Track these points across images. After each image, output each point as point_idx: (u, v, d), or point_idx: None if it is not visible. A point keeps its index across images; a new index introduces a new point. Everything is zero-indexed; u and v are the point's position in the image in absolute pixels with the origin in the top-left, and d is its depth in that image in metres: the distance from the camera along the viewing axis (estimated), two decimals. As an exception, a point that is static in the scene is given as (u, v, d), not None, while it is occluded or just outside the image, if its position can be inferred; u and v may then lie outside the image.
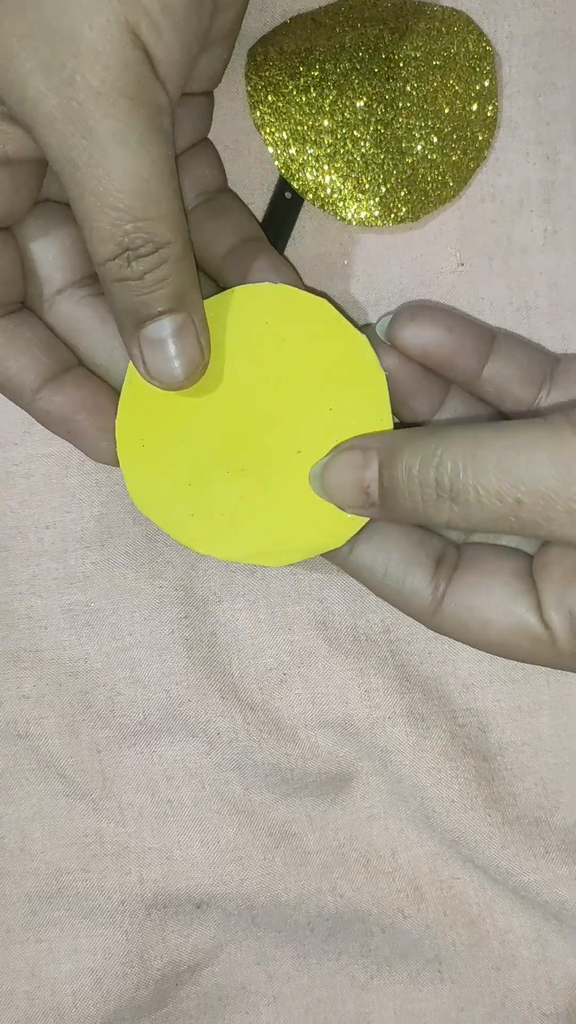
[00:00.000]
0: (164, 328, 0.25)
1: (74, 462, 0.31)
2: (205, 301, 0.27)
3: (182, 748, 0.32)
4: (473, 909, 0.32)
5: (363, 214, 0.31)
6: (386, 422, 0.27)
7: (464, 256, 0.32)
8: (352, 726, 0.32)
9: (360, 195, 0.30)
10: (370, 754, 0.32)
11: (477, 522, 0.24)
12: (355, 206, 0.31)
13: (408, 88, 0.30)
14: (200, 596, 0.32)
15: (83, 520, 0.32)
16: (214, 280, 0.29)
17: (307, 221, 0.32)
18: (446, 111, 0.31)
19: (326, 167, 0.30)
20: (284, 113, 0.30)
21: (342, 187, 0.30)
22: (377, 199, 0.30)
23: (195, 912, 0.32)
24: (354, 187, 0.30)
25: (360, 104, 0.30)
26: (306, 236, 0.32)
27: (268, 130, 0.30)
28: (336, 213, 0.30)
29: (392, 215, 0.31)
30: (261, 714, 0.32)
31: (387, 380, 0.28)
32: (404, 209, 0.31)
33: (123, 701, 0.32)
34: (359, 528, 0.27)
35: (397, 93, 0.30)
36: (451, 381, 0.29)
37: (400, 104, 0.30)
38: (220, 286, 0.29)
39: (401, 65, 0.30)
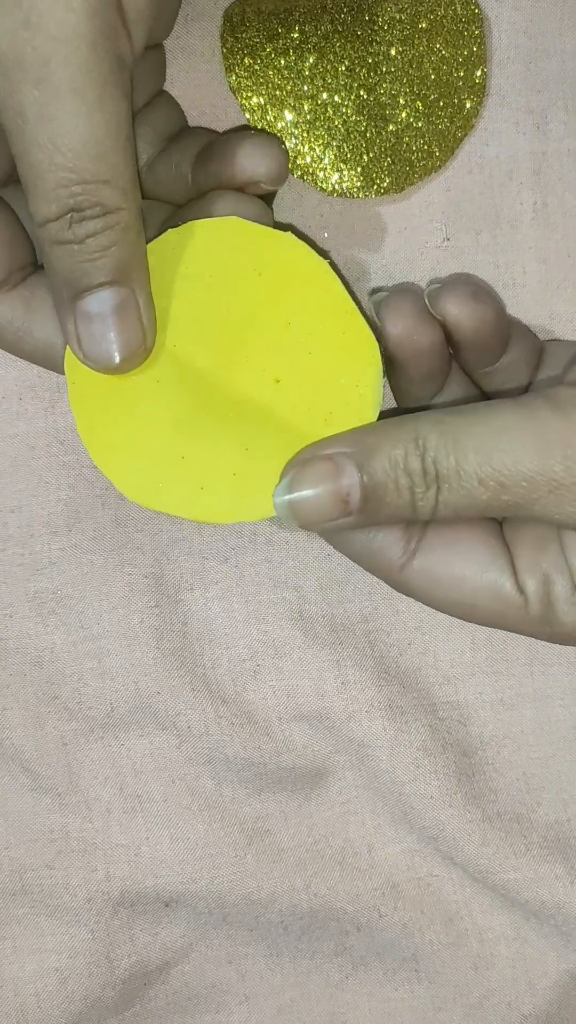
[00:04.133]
0: (103, 301, 0.23)
1: (41, 443, 0.31)
2: (169, 232, 0.26)
3: (151, 741, 0.31)
4: (451, 907, 0.32)
5: (345, 185, 0.30)
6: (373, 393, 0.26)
7: (450, 230, 0.32)
8: (328, 719, 0.32)
9: (342, 165, 0.30)
10: (346, 748, 0.32)
11: (461, 509, 0.24)
12: (336, 176, 0.30)
13: (392, 52, 0.30)
14: (171, 584, 0.31)
15: (49, 504, 0.31)
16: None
17: (285, 191, 0.31)
18: (432, 77, 0.30)
19: (305, 134, 0.30)
20: (261, 77, 0.30)
21: (323, 156, 0.30)
22: (359, 169, 0.30)
23: (164, 910, 0.32)
24: (335, 156, 0.30)
25: (342, 68, 0.29)
26: (283, 207, 0.31)
27: (244, 94, 0.30)
28: (316, 183, 0.30)
29: (375, 186, 0.30)
30: (233, 707, 0.32)
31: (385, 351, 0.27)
32: (388, 180, 0.30)
33: (90, 692, 0.31)
34: None
35: (381, 57, 0.29)
36: (458, 365, 0.28)
37: (384, 69, 0.30)
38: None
39: (385, 28, 0.30)
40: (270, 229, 0.27)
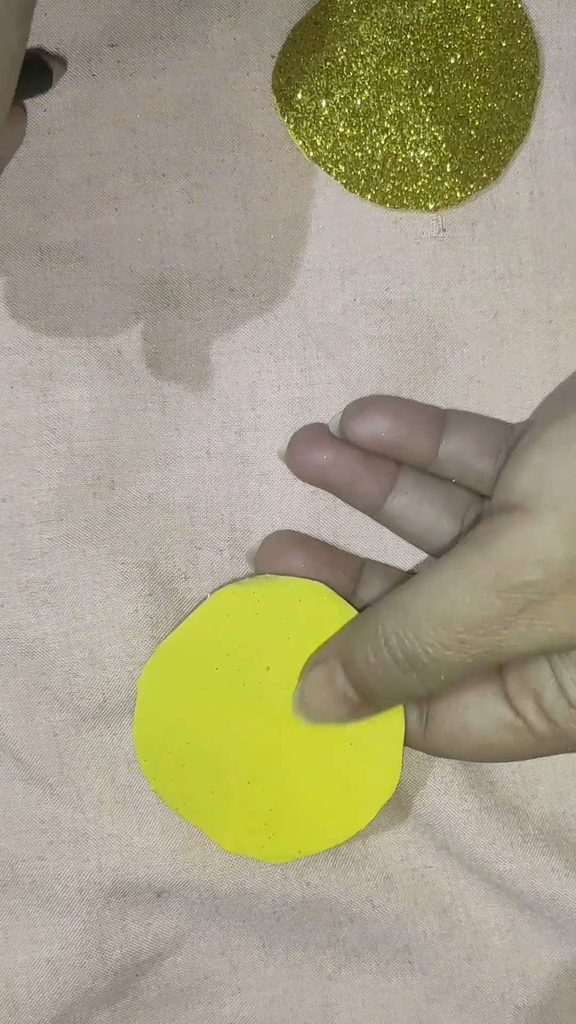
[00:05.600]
0: None
1: (31, 432, 0.31)
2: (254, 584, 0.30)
3: None
4: (445, 898, 0.32)
5: (457, 194, 0.31)
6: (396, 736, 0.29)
7: (446, 221, 0.31)
8: None
9: (439, 178, 0.31)
10: None
11: (445, 674, 0.25)
12: (440, 187, 0.31)
13: (446, 47, 0.30)
14: (165, 573, 0.31)
15: (41, 493, 0.31)
16: None
17: (279, 181, 0.31)
18: (483, 56, 0.30)
19: (399, 170, 0.31)
20: (336, 146, 0.31)
21: (432, 174, 0.31)
22: (461, 171, 0.31)
23: (156, 901, 0.32)
24: (435, 172, 0.31)
25: (404, 86, 0.30)
26: (279, 197, 0.31)
27: (327, 166, 0.31)
28: (421, 206, 0.31)
29: (473, 182, 0.31)
30: None
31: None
32: (485, 172, 0.31)
33: (81, 683, 0.31)
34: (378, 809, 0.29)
35: (436, 58, 0.30)
36: (401, 462, 0.30)
37: (442, 68, 0.30)
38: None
39: (426, 31, 0.30)
40: (295, 582, 0.29)
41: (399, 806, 0.32)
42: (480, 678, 0.27)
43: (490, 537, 0.25)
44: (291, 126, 0.30)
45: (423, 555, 0.31)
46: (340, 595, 0.29)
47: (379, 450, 0.30)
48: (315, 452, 0.30)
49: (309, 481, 0.31)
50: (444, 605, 0.25)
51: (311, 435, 0.30)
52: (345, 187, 0.31)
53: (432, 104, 0.30)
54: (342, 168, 0.30)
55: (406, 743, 0.29)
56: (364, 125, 0.30)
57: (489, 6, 0.30)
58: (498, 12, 0.30)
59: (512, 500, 0.25)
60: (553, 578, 0.24)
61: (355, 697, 0.27)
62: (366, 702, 0.27)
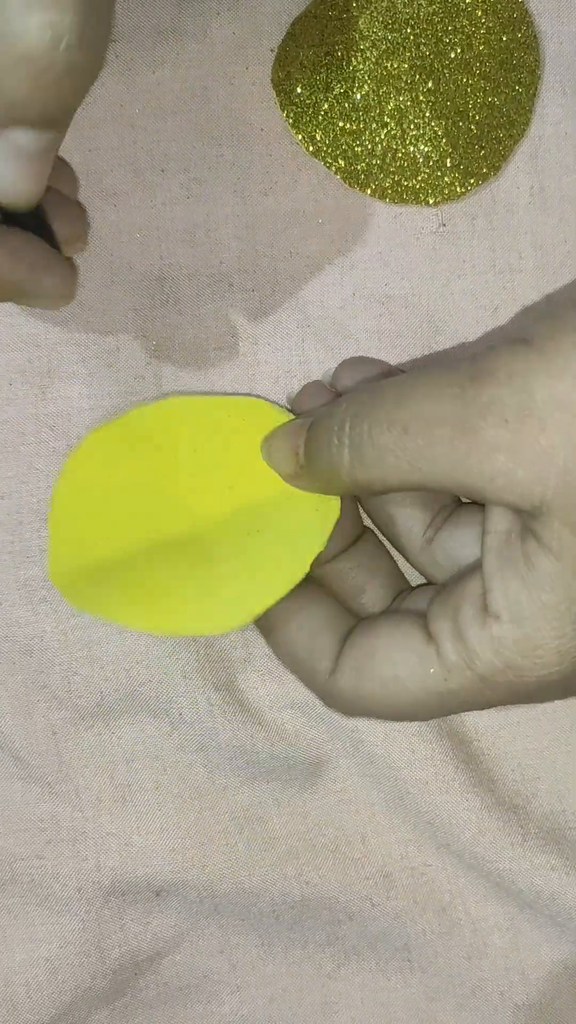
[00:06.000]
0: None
1: (30, 430, 0.31)
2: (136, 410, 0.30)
3: (142, 730, 0.31)
4: (445, 897, 0.32)
5: (457, 189, 0.31)
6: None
7: (446, 216, 0.31)
8: (320, 707, 0.31)
9: (439, 173, 0.30)
10: (340, 736, 0.32)
11: (375, 473, 0.25)
12: (440, 182, 0.31)
13: (446, 41, 0.30)
14: None
15: (39, 491, 0.31)
16: None
17: (279, 176, 0.31)
18: (484, 50, 0.30)
19: (399, 165, 0.31)
20: (336, 141, 0.30)
21: (432, 169, 0.31)
22: (461, 166, 0.31)
23: (155, 899, 0.32)
24: (435, 167, 0.30)
25: (404, 81, 0.30)
26: (278, 192, 0.31)
27: (327, 161, 0.30)
28: (420, 200, 0.31)
29: (473, 177, 0.31)
30: (225, 694, 0.32)
31: None
32: (485, 167, 0.31)
33: (80, 681, 0.31)
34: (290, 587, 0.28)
35: (437, 52, 0.30)
36: None
37: (443, 63, 0.30)
38: None
39: (426, 25, 0.30)
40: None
41: (399, 804, 0.32)
42: (405, 612, 0.27)
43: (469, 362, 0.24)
44: (291, 121, 0.30)
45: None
46: None
47: None
48: (318, 398, 0.30)
49: None
50: (416, 396, 0.24)
51: (316, 385, 0.30)
52: (345, 182, 0.31)
53: (432, 99, 0.30)
54: (342, 163, 0.30)
55: (317, 682, 0.28)
56: (364, 120, 0.30)
57: (490, 0, 0.30)
58: (499, 6, 0.30)
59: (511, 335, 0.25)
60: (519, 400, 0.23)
61: (302, 457, 0.27)
62: (306, 467, 0.27)
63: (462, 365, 0.24)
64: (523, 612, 0.24)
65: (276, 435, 0.29)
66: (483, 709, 0.26)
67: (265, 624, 0.29)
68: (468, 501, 0.29)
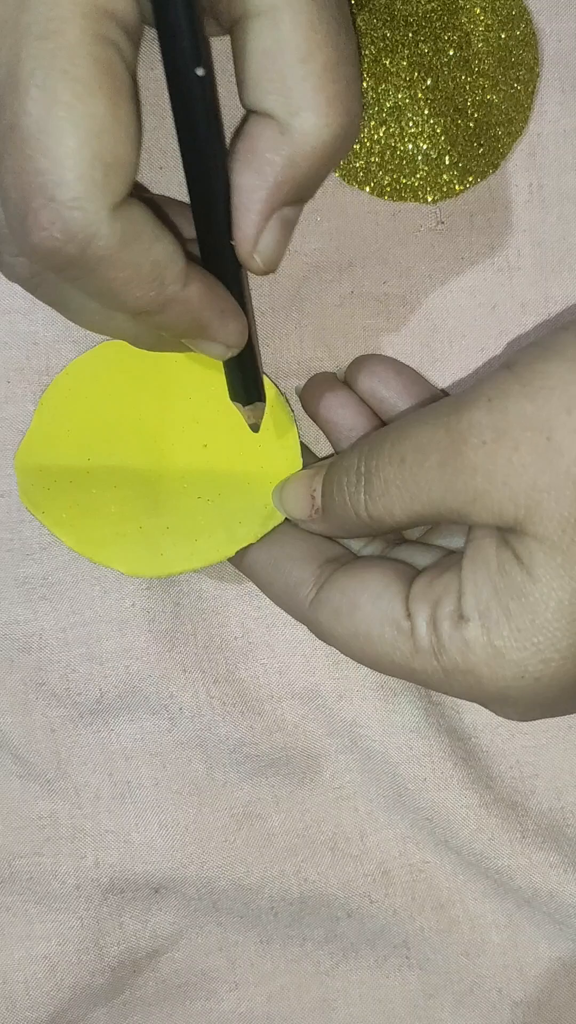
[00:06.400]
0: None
1: (28, 427, 0.30)
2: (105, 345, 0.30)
3: (141, 726, 0.31)
4: (443, 894, 0.32)
5: (456, 186, 0.31)
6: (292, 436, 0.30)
7: (444, 213, 0.31)
8: (320, 698, 0.32)
9: (437, 170, 0.30)
10: (339, 730, 0.32)
11: (382, 505, 0.26)
12: (439, 179, 0.31)
13: (445, 39, 0.30)
14: None
15: None
16: None
17: None
18: (482, 48, 0.30)
19: (398, 163, 0.30)
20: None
21: (431, 167, 0.31)
22: (459, 164, 0.31)
23: (153, 897, 0.32)
24: (434, 164, 0.30)
25: (403, 78, 0.30)
26: None
27: (339, 173, 0.31)
28: (419, 198, 0.31)
29: (472, 174, 0.31)
30: (225, 686, 0.32)
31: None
32: (483, 165, 0.31)
33: (79, 678, 0.31)
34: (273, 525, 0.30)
35: (435, 50, 0.30)
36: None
37: (441, 60, 0.30)
38: None
39: (424, 23, 0.30)
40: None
41: (397, 801, 0.32)
42: (388, 569, 0.27)
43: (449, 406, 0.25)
44: None
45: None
46: None
47: (372, 403, 0.30)
48: (329, 389, 0.30)
49: (316, 417, 0.31)
50: (410, 434, 0.25)
51: (327, 376, 0.31)
52: (343, 179, 0.30)
53: (431, 96, 0.30)
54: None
55: (294, 612, 0.29)
56: (362, 117, 0.30)
57: None
58: (497, 4, 0.30)
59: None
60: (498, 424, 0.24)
61: (318, 501, 0.28)
62: (323, 509, 0.28)
63: (454, 398, 0.25)
64: (490, 619, 0.24)
65: (291, 481, 0.29)
66: (445, 694, 0.27)
67: (241, 555, 0.30)
68: None
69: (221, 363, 0.28)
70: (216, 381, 0.29)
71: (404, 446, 0.25)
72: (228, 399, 0.29)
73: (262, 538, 0.29)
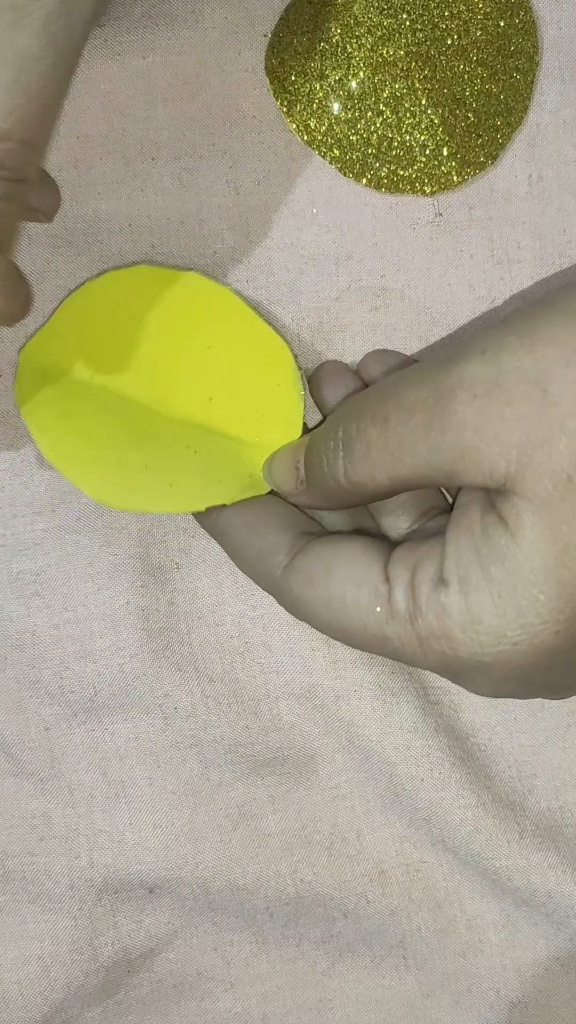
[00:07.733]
0: None
1: (22, 423, 0.31)
2: (88, 283, 0.30)
3: (136, 725, 0.31)
4: (440, 893, 0.32)
5: (454, 178, 0.31)
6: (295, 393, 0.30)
7: (442, 205, 0.31)
8: (317, 698, 0.32)
9: (435, 162, 0.30)
10: (335, 729, 0.32)
11: (362, 469, 0.25)
12: (437, 171, 0.30)
13: (443, 27, 0.29)
14: (157, 563, 0.31)
15: (33, 484, 0.31)
16: None
17: (272, 165, 0.31)
18: (481, 36, 0.30)
19: (395, 154, 0.30)
20: (330, 129, 0.30)
21: (429, 158, 0.30)
22: (458, 155, 0.30)
23: (148, 897, 0.32)
24: (432, 156, 0.30)
25: (400, 68, 0.29)
26: (271, 182, 0.31)
27: (321, 150, 0.30)
28: (417, 190, 0.30)
29: (471, 165, 0.30)
30: (221, 686, 0.32)
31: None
32: (482, 156, 0.30)
33: (72, 676, 0.31)
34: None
35: (433, 39, 0.29)
36: None
37: (439, 49, 0.29)
38: None
39: (422, 10, 0.29)
40: (175, 271, 0.30)
41: (394, 800, 0.32)
42: (367, 539, 0.27)
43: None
44: (284, 109, 0.30)
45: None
46: None
47: None
48: (339, 376, 0.30)
49: (324, 404, 0.31)
50: (388, 400, 0.25)
51: (336, 364, 0.31)
52: (340, 171, 0.30)
53: (428, 86, 0.29)
54: (336, 152, 0.30)
55: (268, 576, 0.28)
56: (359, 108, 0.30)
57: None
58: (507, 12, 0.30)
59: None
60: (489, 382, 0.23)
61: (302, 471, 0.27)
62: (307, 479, 0.27)
63: (442, 355, 0.25)
64: (470, 583, 0.24)
65: (278, 454, 0.29)
66: (414, 667, 0.26)
67: (216, 514, 0.29)
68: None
69: (253, 324, 0.29)
70: (244, 341, 0.29)
71: (387, 406, 0.25)
72: (249, 363, 0.29)
73: (240, 502, 0.29)
